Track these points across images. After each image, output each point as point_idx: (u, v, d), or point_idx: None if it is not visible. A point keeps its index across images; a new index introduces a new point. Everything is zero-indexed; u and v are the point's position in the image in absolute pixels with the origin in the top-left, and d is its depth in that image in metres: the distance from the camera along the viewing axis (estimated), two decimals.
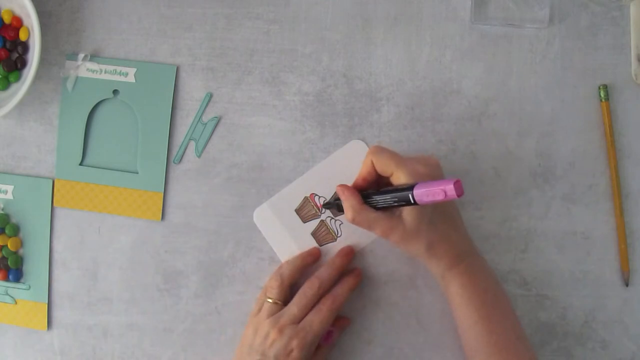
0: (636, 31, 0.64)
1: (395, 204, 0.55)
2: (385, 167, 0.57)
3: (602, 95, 0.63)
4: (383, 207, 0.56)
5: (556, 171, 0.64)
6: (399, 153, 0.57)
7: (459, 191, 0.50)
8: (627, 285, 0.64)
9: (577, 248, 0.64)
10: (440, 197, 0.50)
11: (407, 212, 0.56)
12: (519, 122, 0.64)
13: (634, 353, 0.64)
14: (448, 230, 0.58)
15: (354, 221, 0.57)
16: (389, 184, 0.58)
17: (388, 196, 0.55)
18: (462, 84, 0.65)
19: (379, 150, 0.58)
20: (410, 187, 0.53)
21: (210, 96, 0.66)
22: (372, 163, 0.58)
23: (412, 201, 0.53)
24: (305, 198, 0.65)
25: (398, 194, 0.54)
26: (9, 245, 0.66)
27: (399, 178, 0.56)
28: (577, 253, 0.64)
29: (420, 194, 0.52)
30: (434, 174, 0.57)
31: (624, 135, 0.64)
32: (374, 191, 0.57)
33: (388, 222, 0.56)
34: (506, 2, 0.64)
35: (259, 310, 0.61)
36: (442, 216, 0.58)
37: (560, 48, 0.64)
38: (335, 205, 0.62)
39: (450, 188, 0.50)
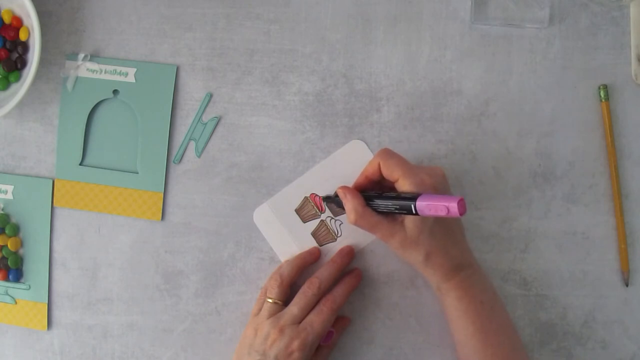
0: (636, 31, 0.64)
1: (397, 211, 0.55)
2: (391, 173, 0.57)
3: (602, 95, 0.63)
4: (384, 211, 0.56)
5: (556, 171, 0.64)
6: (407, 160, 0.57)
7: (462, 210, 0.49)
8: (627, 285, 0.64)
9: (577, 248, 0.64)
10: (442, 213, 0.50)
11: (409, 220, 0.56)
12: (519, 122, 0.64)
13: (634, 353, 0.64)
14: (447, 243, 0.57)
15: (356, 223, 0.57)
16: (391, 187, 0.58)
17: (390, 202, 0.55)
18: (462, 84, 0.65)
19: (388, 154, 0.58)
20: (414, 198, 0.52)
21: (210, 96, 0.66)
22: (379, 165, 0.58)
23: (414, 212, 0.53)
24: (305, 198, 0.65)
25: (401, 202, 0.54)
26: (9, 245, 0.66)
27: (404, 186, 0.55)
28: (577, 253, 0.64)
29: (423, 206, 0.52)
30: (439, 186, 0.56)
31: (624, 135, 0.64)
32: (376, 194, 0.57)
33: (389, 227, 0.56)
34: (506, 2, 0.64)
35: (259, 310, 0.61)
36: (443, 228, 0.57)
37: (560, 48, 0.64)
38: (335, 201, 0.62)
39: (453, 206, 0.49)
